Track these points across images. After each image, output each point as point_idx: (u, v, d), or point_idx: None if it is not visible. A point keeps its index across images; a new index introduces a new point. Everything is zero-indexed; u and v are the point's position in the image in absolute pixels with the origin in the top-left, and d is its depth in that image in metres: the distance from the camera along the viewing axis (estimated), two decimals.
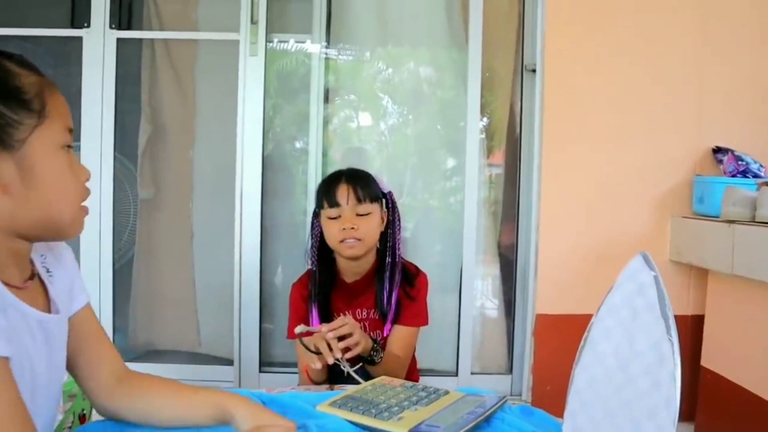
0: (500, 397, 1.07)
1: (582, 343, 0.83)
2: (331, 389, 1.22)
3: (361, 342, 1.41)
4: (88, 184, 0.90)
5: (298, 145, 2.86)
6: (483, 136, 2.86)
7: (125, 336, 2.82)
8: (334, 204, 1.59)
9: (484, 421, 1.00)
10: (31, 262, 0.90)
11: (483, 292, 2.86)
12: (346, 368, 1.48)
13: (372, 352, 1.46)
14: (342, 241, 1.58)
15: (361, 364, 1.53)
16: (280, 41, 2.80)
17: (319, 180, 2.68)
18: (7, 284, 0.81)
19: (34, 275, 0.90)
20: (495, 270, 2.82)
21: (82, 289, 1.01)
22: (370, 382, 1.18)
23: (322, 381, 1.52)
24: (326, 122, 2.79)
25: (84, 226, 0.91)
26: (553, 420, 1.02)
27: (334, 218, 1.59)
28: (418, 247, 2.78)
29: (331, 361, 1.35)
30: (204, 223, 2.84)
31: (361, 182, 1.63)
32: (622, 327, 0.79)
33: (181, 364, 2.74)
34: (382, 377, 1.23)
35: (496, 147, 2.90)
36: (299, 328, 1.39)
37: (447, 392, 1.11)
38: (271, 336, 2.74)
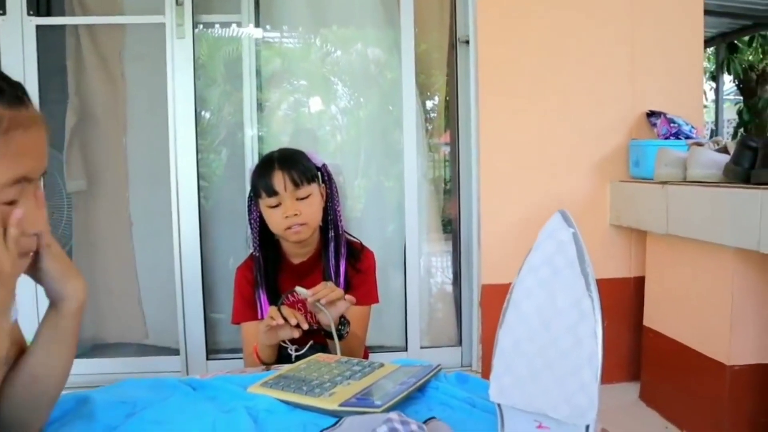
0: (434, 366, 1.06)
1: (505, 304, 0.82)
2: (266, 370, 1.20)
3: (345, 304, 1.40)
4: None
5: (233, 128, 2.80)
6: (434, 115, 2.87)
7: None
8: (272, 193, 1.55)
9: (417, 391, 1.00)
10: None
11: (430, 267, 2.87)
12: (293, 352, 1.46)
13: (339, 326, 1.43)
14: (288, 228, 1.55)
15: (310, 343, 1.50)
16: (207, 24, 2.73)
17: (255, 160, 2.65)
18: None
19: None
20: (441, 245, 2.84)
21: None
22: (304, 360, 1.16)
23: (273, 362, 1.49)
24: (261, 105, 2.74)
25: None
26: (488, 384, 1.02)
27: (275, 206, 1.55)
28: (368, 227, 2.76)
29: (305, 326, 1.34)
30: (143, 212, 2.77)
31: (296, 165, 1.58)
32: (543, 286, 0.78)
33: (128, 357, 2.68)
34: (318, 354, 1.21)
35: (446, 126, 2.90)
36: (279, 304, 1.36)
37: (381, 365, 1.10)
38: (217, 324, 2.70)
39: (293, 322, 1.32)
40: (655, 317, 2.50)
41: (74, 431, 0.92)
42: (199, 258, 2.52)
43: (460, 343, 2.70)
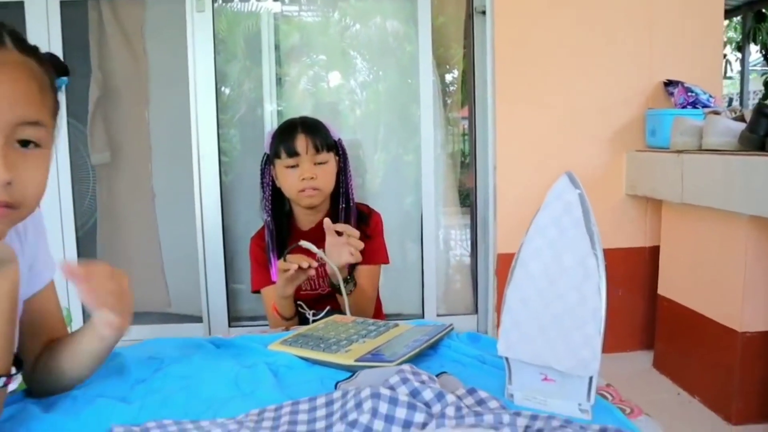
0: (446, 326, 1.10)
1: (513, 263, 0.85)
2: (286, 330, 1.25)
3: (355, 246, 1.43)
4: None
5: (253, 103, 2.83)
6: (453, 89, 2.88)
7: None
8: (292, 153, 1.58)
9: (430, 348, 1.04)
10: None
11: (448, 239, 2.91)
12: (311, 316, 1.52)
13: (348, 278, 1.48)
14: (301, 191, 1.58)
15: (327, 309, 1.55)
16: None
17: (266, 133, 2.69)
18: None
19: None
20: (459, 218, 2.88)
21: (46, 266, 0.91)
22: (322, 320, 1.21)
23: (293, 315, 1.55)
24: (280, 79, 2.77)
25: None
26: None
27: (292, 167, 1.59)
28: (386, 200, 2.80)
29: (315, 265, 1.39)
30: (165, 184, 2.83)
31: (318, 131, 1.63)
32: (550, 245, 0.82)
33: (153, 325, 2.76)
34: (335, 316, 1.26)
35: (464, 99, 2.91)
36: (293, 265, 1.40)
37: (396, 325, 1.14)
38: (239, 294, 2.77)
39: (304, 265, 1.37)
40: (669, 286, 2.52)
41: (106, 384, 0.97)
42: (221, 229, 2.58)
43: (476, 311, 2.75)
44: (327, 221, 1.43)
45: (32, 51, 0.76)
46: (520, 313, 0.84)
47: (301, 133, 1.60)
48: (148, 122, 2.80)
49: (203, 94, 2.54)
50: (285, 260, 1.39)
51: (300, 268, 1.37)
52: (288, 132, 1.63)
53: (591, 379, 0.81)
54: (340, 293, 1.44)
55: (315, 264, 1.40)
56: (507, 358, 0.87)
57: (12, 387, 0.74)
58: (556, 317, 0.81)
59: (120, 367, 1.02)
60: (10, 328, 0.75)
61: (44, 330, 0.93)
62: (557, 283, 0.81)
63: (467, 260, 2.89)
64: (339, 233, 1.42)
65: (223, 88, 2.76)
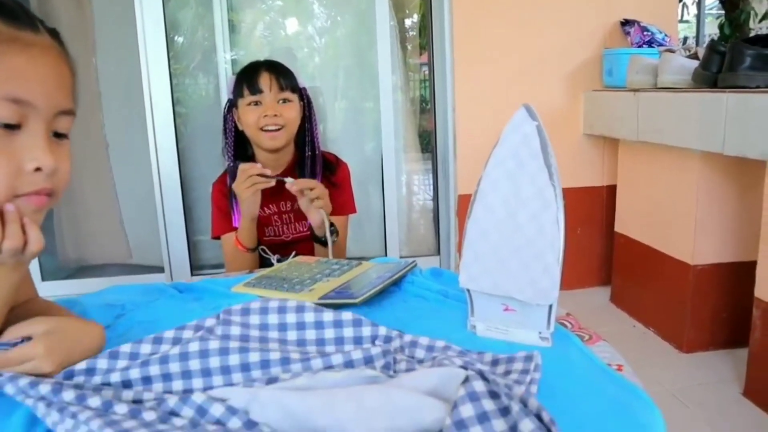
0: (409, 262, 1.11)
1: (473, 197, 0.86)
2: (250, 272, 1.24)
3: (324, 201, 1.46)
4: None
5: (207, 52, 2.75)
6: (413, 33, 2.83)
7: (54, 255, 2.77)
8: (255, 91, 1.56)
9: (393, 285, 1.05)
10: None
11: (410, 184, 2.93)
12: (275, 262, 1.51)
13: (331, 228, 1.48)
14: (263, 129, 1.55)
15: (293, 254, 1.55)
16: None
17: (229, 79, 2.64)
18: None
19: None
20: (421, 164, 2.89)
21: None
22: (284, 262, 1.21)
23: (254, 247, 1.55)
24: (234, 26, 2.69)
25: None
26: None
27: (255, 104, 1.56)
28: (347, 147, 2.78)
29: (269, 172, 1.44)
30: (118, 133, 2.75)
31: (282, 71, 1.61)
32: (508, 177, 0.82)
33: (114, 276, 2.73)
34: (298, 257, 1.26)
35: (425, 45, 2.88)
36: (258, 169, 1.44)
37: (359, 263, 1.15)
38: (200, 245, 2.75)
39: (266, 171, 1.43)
40: (625, 223, 2.59)
41: None
42: (179, 178, 2.54)
43: (438, 252, 2.79)
44: (290, 182, 1.43)
45: (57, 34, 0.75)
46: (481, 246, 0.85)
47: (265, 71, 1.58)
48: (96, 69, 2.70)
49: (152, 41, 2.45)
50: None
51: (261, 175, 1.41)
52: (252, 70, 1.60)
53: (550, 307, 0.83)
54: (324, 245, 1.45)
55: (268, 171, 1.44)
56: (469, 291, 0.88)
57: None
58: (515, 248, 0.83)
59: (81, 315, 1.01)
60: (7, 307, 0.77)
61: None
62: (516, 215, 0.82)
63: (430, 204, 2.91)
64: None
65: (175, 37, 2.67)
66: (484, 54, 2.58)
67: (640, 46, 2.50)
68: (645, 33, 2.51)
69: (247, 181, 1.43)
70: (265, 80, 1.56)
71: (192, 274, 2.60)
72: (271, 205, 1.64)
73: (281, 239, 1.65)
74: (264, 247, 1.59)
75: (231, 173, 1.65)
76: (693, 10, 7.85)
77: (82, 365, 0.75)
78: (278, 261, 1.56)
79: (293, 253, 1.53)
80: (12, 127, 0.68)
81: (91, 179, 2.76)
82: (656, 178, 2.32)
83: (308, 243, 1.62)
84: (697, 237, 2.14)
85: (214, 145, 2.70)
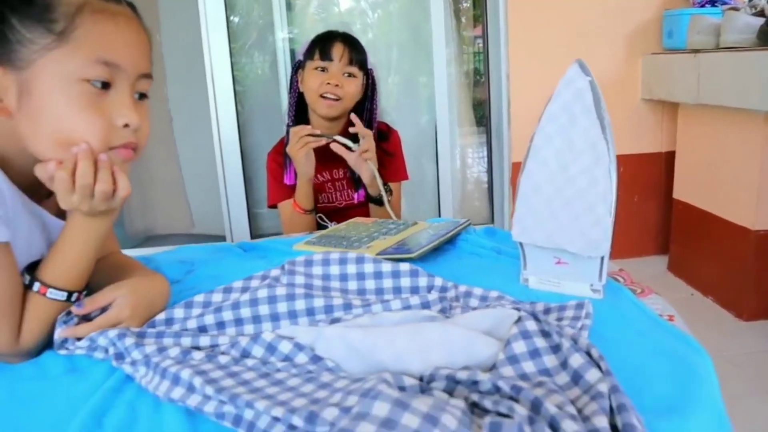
0: (464, 221, 1.14)
1: (526, 153, 0.88)
2: (310, 233, 1.30)
3: (371, 153, 1.52)
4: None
5: (263, 31, 2.80)
6: (467, 5, 2.82)
7: (122, 226, 2.91)
8: (326, 57, 1.59)
9: (448, 243, 1.08)
10: None
11: (465, 157, 2.94)
12: (331, 225, 1.56)
13: (384, 186, 1.54)
14: (322, 96, 1.59)
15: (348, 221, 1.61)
16: None
17: (288, 62, 2.70)
18: (33, 196, 0.82)
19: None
20: (475, 137, 2.90)
21: None
22: (343, 223, 1.26)
23: (312, 208, 1.61)
24: (290, 4, 2.74)
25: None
26: None
27: (321, 70, 1.60)
28: (401, 120, 2.80)
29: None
30: (181, 108, 2.85)
31: (356, 46, 1.64)
32: (561, 132, 0.84)
33: (178, 245, 2.84)
34: (356, 218, 1.31)
35: (479, 16, 2.86)
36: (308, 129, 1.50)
37: (415, 223, 1.19)
38: (260, 216, 2.83)
39: (316, 131, 1.50)
40: (684, 189, 2.54)
41: None
42: (239, 151, 2.61)
43: (492, 221, 2.80)
44: (340, 139, 1.49)
45: (134, 7, 0.83)
46: (533, 199, 0.87)
47: (340, 42, 1.61)
48: (161, 45, 2.79)
49: (213, 19, 2.51)
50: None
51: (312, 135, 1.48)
52: (327, 37, 1.63)
53: (602, 259, 0.85)
54: (380, 203, 1.50)
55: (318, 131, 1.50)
56: (521, 244, 0.91)
57: (78, 307, 0.80)
58: (567, 201, 0.84)
59: (155, 270, 1.08)
60: (97, 254, 0.84)
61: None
62: (568, 168, 0.84)
63: (483, 176, 2.91)
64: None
65: (232, 17, 2.73)
66: (540, 20, 2.55)
67: (702, 6, 2.43)
68: None
69: (300, 141, 1.48)
70: (337, 50, 1.59)
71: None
72: (324, 173, 1.68)
73: (334, 206, 1.70)
74: (321, 215, 1.64)
75: (287, 136, 1.69)
76: None
77: (161, 316, 0.81)
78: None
79: (349, 220, 1.57)
80: (105, 86, 0.76)
81: (156, 152, 2.88)
82: (717, 142, 2.27)
83: (361, 209, 1.66)
84: (759, 201, 2.09)
85: (272, 121, 2.78)
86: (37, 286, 0.78)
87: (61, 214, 0.85)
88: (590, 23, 2.58)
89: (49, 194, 0.84)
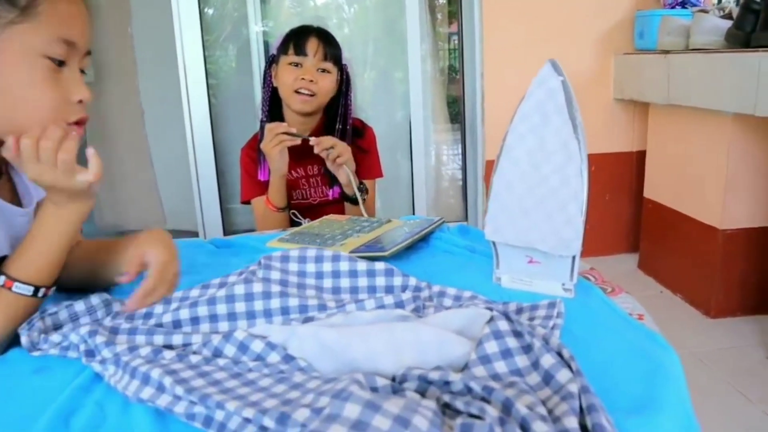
0: (437, 219, 1.15)
1: (499, 151, 0.89)
2: (283, 230, 1.29)
3: (346, 157, 1.51)
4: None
5: (237, 23, 2.78)
6: (442, 2, 2.83)
7: (92, 221, 2.86)
8: (300, 52, 1.58)
9: (422, 241, 1.09)
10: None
11: (439, 153, 2.95)
12: (304, 222, 1.56)
13: (360, 186, 1.54)
14: (296, 91, 1.58)
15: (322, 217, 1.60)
16: None
17: (262, 55, 2.67)
18: None
19: (1, 173, 0.87)
20: (450, 134, 2.90)
21: None
22: (317, 220, 1.25)
23: (285, 206, 1.59)
24: None
25: None
26: None
27: (295, 65, 1.59)
28: (376, 115, 2.80)
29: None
30: (153, 101, 2.81)
31: (330, 42, 1.63)
32: (533, 131, 0.85)
33: None
34: (330, 215, 1.30)
35: (455, 14, 2.87)
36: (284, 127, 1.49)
37: (389, 221, 1.19)
38: (232, 211, 2.81)
39: (292, 130, 1.49)
40: (654, 188, 2.58)
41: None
42: (212, 145, 2.59)
43: (465, 218, 2.81)
44: (313, 141, 1.48)
45: None
46: (506, 198, 0.88)
47: (315, 37, 1.60)
48: (132, 38, 2.76)
49: (186, 11, 2.49)
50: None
51: (287, 134, 1.47)
52: (302, 32, 1.62)
53: (573, 258, 0.86)
54: (355, 203, 1.50)
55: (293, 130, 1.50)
56: (494, 243, 0.91)
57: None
58: (539, 200, 0.85)
59: None
60: (68, 248, 0.83)
61: None
62: (541, 167, 0.85)
63: (457, 173, 2.93)
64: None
65: (206, 9, 2.70)
66: (514, 19, 2.57)
67: (673, 8, 2.46)
68: None
69: (275, 139, 1.47)
70: (312, 45, 1.58)
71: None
72: (298, 169, 1.68)
73: (308, 202, 1.69)
74: (295, 211, 1.63)
75: (261, 130, 1.68)
76: None
77: (141, 310, 0.80)
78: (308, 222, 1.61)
79: (323, 217, 1.57)
80: (61, 64, 0.78)
81: (127, 146, 2.84)
82: (686, 142, 2.31)
83: (335, 206, 1.66)
84: (726, 201, 2.13)
85: (245, 114, 2.76)
86: (2, 279, 0.77)
87: (14, 202, 0.85)
88: (564, 23, 2.60)
89: None
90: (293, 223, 1.62)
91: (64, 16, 0.77)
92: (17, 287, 0.77)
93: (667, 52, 2.25)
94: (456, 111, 2.92)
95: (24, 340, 0.75)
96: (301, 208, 1.65)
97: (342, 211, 1.63)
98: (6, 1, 0.73)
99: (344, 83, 1.68)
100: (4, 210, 0.84)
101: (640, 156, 2.72)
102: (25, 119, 0.76)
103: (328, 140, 1.50)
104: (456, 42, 2.90)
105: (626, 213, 2.83)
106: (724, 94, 1.94)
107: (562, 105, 0.83)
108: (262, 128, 1.65)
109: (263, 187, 1.64)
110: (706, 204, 2.23)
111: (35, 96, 0.76)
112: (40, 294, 0.79)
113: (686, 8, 2.43)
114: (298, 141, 1.49)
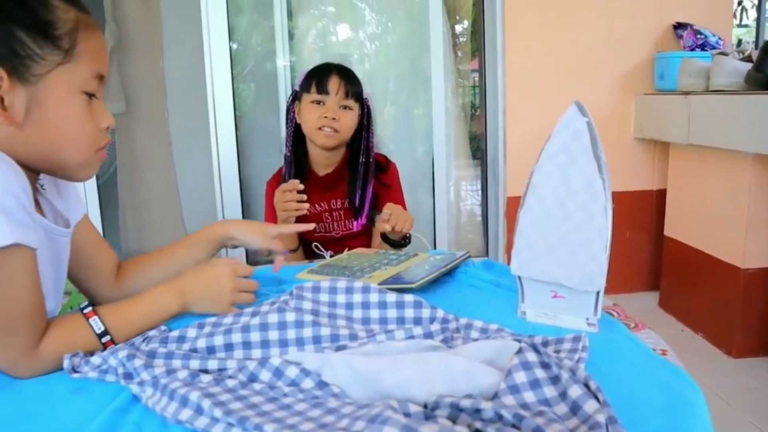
0: (463, 253, 1.17)
1: (525, 189, 0.92)
2: (310, 262, 1.32)
3: (408, 227, 1.58)
4: None
5: (262, 58, 2.86)
6: (463, 40, 2.88)
7: (117, 247, 2.92)
8: (322, 91, 1.63)
9: (447, 275, 1.11)
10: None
11: (459, 190, 2.97)
12: (327, 255, 1.60)
13: (405, 237, 1.60)
14: (320, 128, 1.62)
15: (346, 250, 1.63)
16: None
17: (288, 91, 2.74)
18: None
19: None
20: (471, 170, 2.94)
21: (79, 201, 1.02)
22: (346, 252, 1.28)
23: (296, 248, 1.64)
24: (290, 33, 2.79)
25: (97, 170, 0.91)
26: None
27: (318, 103, 1.63)
28: (398, 151, 2.84)
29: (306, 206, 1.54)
30: (182, 132, 2.89)
31: (351, 78, 1.67)
32: (559, 170, 0.88)
33: None
34: (358, 249, 1.33)
35: (475, 51, 2.92)
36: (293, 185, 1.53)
37: (416, 254, 1.22)
38: None
39: (300, 187, 1.53)
40: (675, 226, 2.58)
41: None
42: (237, 174, 2.65)
43: (486, 253, 2.83)
44: (383, 225, 1.51)
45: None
46: (532, 235, 0.90)
47: (336, 75, 1.64)
48: (163, 71, 2.84)
49: (217, 46, 2.57)
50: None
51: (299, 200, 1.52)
52: (323, 71, 1.66)
53: (597, 294, 0.88)
54: (396, 247, 1.57)
55: (306, 206, 1.53)
56: (520, 278, 0.94)
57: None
58: (565, 237, 0.88)
59: None
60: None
61: (91, 252, 1.05)
62: (566, 205, 0.88)
63: (477, 209, 2.95)
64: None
65: (231, 44, 2.79)
66: (536, 58, 2.62)
67: (692, 50, 2.50)
68: (698, 36, 2.51)
69: (284, 205, 1.53)
70: (333, 83, 1.63)
71: None
72: (322, 203, 1.71)
73: (331, 235, 1.72)
74: (317, 244, 1.66)
75: (286, 165, 1.73)
76: (753, 13, 7.61)
77: (175, 334, 0.83)
78: (331, 257, 1.63)
79: (345, 249, 1.60)
80: (92, 96, 0.85)
81: (155, 175, 2.91)
82: (707, 182, 2.32)
83: (358, 239, 1.69)
84: (748, 240, 2.14)
85: (271, 147, 2.82)
86: (88, 308, 0.83)
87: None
88: (585, 63, 2.64)
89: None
90: (316, 256, 1.65)
91: (97, 51, 0.84)
92: (94, 321, 0.82)
93: (687, 93, 2.28)
94: (475, 147, 2.96)
95: (66, 363, 0.78)
96: (324, 241, 1.68)
97: (365, 244, 1.66)
98: (51, 44, 0.78)
99: (365, 116, 1.73)
100: (51, 231, 0.88)
101: (661, 194, 2.73)
102: (69, 151, 0.83)
103: (396, 217, 1.54)
104: (476, 79, 2.95)
105: (646, 251, 2.83)
106: (745, 135, 1.96)
107: (587, 145, 0.86)
108: (287, 162, 1.70)
109: None
110: (728, 243, 2.23)
111: (77, 129, 0.83)
112: (104, 340, 0.83)
113: (706, 50, 2.47)
114: (304, 211, 1.53)
